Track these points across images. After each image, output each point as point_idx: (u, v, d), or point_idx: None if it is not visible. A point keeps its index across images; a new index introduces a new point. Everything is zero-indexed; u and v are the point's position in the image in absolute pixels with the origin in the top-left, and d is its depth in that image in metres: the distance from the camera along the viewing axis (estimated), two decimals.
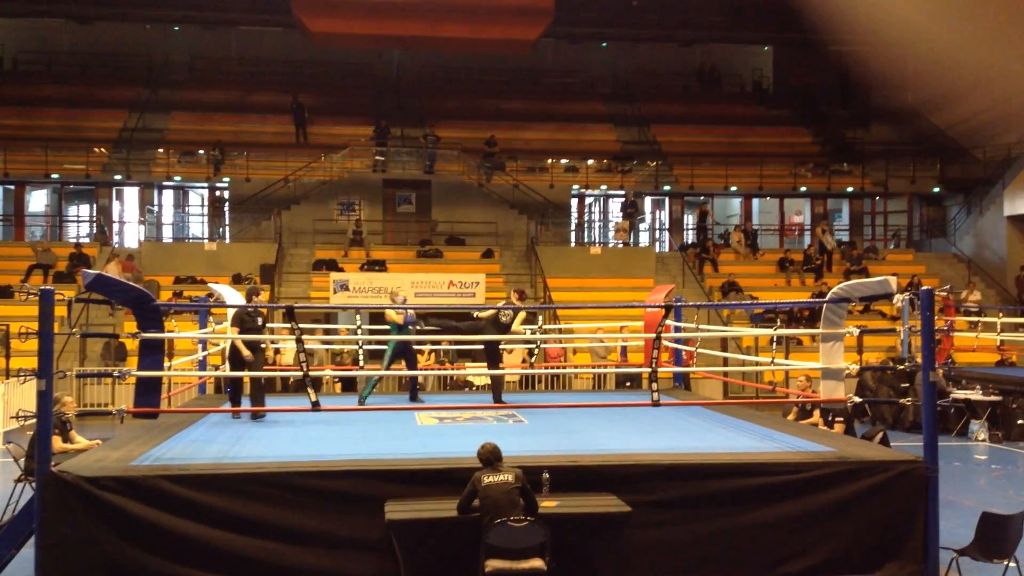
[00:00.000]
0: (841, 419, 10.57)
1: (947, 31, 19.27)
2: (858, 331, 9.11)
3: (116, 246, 24.29)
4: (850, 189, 27.73)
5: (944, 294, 9.79)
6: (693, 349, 12.11)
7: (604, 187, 27.46)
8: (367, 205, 25.46)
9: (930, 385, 7.67)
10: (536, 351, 13.06)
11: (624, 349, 14.31)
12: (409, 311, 11.40)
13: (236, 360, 9.84)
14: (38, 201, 28.50)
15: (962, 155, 27.49)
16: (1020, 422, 14.79)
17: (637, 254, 24.82)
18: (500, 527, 6.35)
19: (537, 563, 6.40)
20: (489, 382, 12.32)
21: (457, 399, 12.93)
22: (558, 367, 16.13)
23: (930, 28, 19.04)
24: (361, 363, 12.48)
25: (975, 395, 15.18)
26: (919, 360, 7.95)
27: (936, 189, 27.80)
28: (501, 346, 11.99)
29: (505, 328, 10.86)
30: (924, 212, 29.07)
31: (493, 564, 6.38)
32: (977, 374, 16.51)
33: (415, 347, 12.14)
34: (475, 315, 11.48)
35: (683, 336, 12.34)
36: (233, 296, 11.84)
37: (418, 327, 11.46)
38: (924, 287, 7.91)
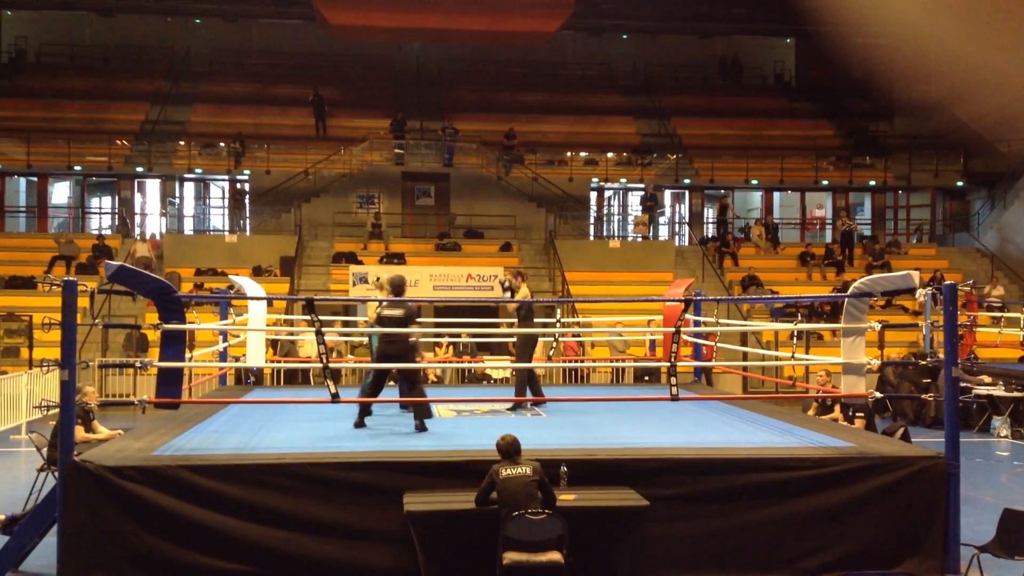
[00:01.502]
0: (861, 415, 10.50)
1: (971, 23, 19.04)
2: (880, 326, 9.04)
3: (137, 238, 24.41)
4: (872, 183, 27.53)
5: (967, 289, 9.72)
6: (712, 343, 12.06)
7: (623, 180, 27.38)
8: (386, 198, 25.51)
9: (952, 381, 7.61)
10: (555, 345, 13.03)
11: (652, 343, 14.25)
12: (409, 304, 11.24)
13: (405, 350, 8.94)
14: (61, 193, 28.75)
15: (986, 149, 27.19)
16: None
17: (656, 248, 24.74)
18: (518, 520, 6.35)
19: (555, 556, 6.40)
20: (509, 375, 12.29)
21: (475, 392, 12.96)
22: (576, 361, 16.11)
23: (954, 21, 18.82)
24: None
25: (997, 391, 15.04)
26: (941, 355, 7.89)
27: (959, 183, 27.55)
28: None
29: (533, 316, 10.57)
30: (947, 206, 28.81)
31: (511, 556, 6.39)
32: (1000, 370, 16.36)
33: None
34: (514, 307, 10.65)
35: (703, 330, 12.30)
36: (254, 288, 11.89)
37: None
38: (947, 282, 7.84)
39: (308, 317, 8.32)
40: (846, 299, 8.59)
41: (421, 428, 8.68)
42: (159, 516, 6.83)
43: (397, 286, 9.19)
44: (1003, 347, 18.40)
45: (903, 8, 19.74)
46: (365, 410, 9.02)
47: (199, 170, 26.13)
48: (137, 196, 27.47)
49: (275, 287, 20.77)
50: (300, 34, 30.36)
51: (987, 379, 15.44)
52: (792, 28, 31.07)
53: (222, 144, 25.93)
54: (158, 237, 24.46)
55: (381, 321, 8.97)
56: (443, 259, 22.94)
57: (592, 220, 27.83)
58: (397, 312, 8.91)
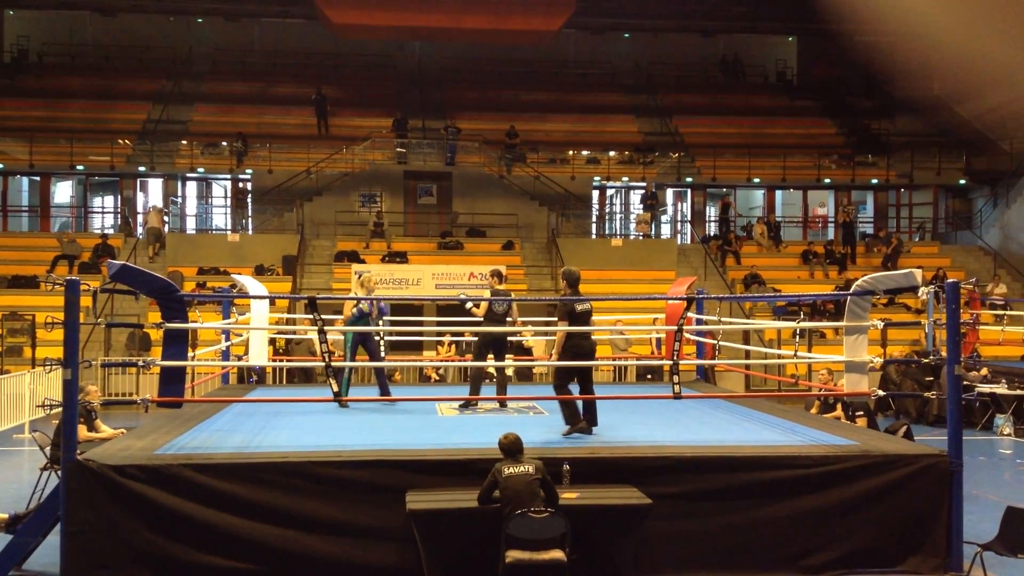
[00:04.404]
0: (862, 413, 10.49)
1: (974, 21, 19.02)
2: (882, 324, 9.03)
3: (151, 209, 24.15)
4: (875, 181, 27.49)
5: (970, 287, 9.70)
6: (715, 342, 12.05)
7: (625, 179, 27.36)
8: (388, 197, 25.52)
9: (955, 379, 7.60)
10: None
11: (659, 341, 14.24)
12: (382, 304, 11.25)
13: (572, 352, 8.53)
14: (63, 192, 28.78)
15: (989, 147, 27.16)
16: None
17: (658, 246, 24.74)
18: (521, 518, 6.35)
19: (557, 554, 6.40)
20: (511, 374, 12.26)
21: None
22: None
23: (957, 18, 18.80)
24: (383, 354, 12.50)
25: (1000, 389, 15.03)
26: (944, 353, 7.88)
27: (962, 181, 27.51)
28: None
29: (501, 319, 10.44)
30: (950, 204, 28.78)
31: (513, 555, 6.39)
32: (1003, 368, 16.35)
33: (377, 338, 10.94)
34: (468, 307, 10.43)
35: (705, 329, 12.29)
36: (256, 287, 11.90)
37: (384, 319, 11.21)
38: (949, 280, 7.83)
39: (311, 316, 8.32)
40: (849, 297, 8.58)
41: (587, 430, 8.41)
42: (162, 515, 6.84)
43: (576, 280, 8.71)
44: (1006, 345, 18.41)
45: (905, 5, 19.71)
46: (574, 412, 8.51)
47: (201, 169, 26.14)
48: (140, 195, 27.49)
49: (277, 286, 20.78)
50: (302, 33, 30.38)
51: (986, 372, 15.43)
52: (794, 26, 31.06)
53: (224, 143, 25.94)
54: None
55: (579, 317, 8.51)
56: (445, 258, 22.96)
57: (594, 219, 27.82)
58: (588, 306, 8.59)
